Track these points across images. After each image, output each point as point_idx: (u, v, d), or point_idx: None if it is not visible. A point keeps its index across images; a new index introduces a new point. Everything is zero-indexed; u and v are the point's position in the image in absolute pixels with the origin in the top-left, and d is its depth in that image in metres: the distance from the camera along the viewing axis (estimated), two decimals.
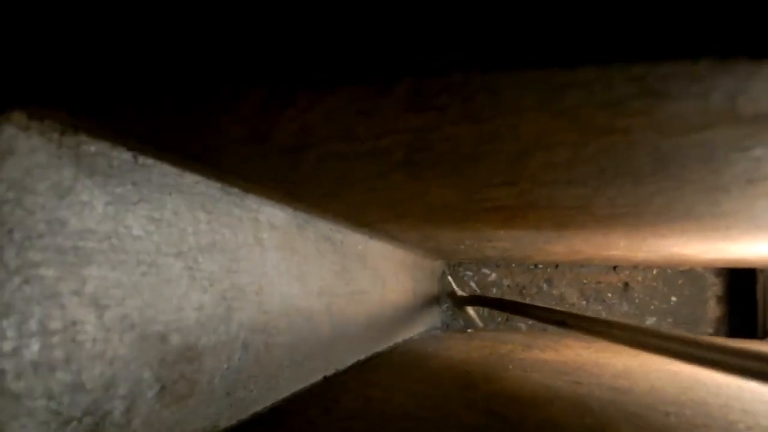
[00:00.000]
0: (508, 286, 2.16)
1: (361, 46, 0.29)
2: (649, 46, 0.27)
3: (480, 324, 2.11)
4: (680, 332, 0.91)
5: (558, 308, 1.28)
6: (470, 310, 2.09)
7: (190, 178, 0.58)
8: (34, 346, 0.39)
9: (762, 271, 1.99)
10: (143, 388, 0.50)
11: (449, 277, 2.09)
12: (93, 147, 0.46)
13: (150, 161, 0.52)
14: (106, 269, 0.47)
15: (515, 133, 0.40)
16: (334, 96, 0.34)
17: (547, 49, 0.28)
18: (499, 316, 2.16)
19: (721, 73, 0.29)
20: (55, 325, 0.41)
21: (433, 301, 2.03)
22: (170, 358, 0.54)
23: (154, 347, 0.52)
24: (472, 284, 2.17)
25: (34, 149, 0.41)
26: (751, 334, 2.01)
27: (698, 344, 0.78)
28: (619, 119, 0.37)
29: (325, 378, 0.95)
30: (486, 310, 2.15)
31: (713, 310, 2.08)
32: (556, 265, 2.15)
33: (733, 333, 2.05)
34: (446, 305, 2.12)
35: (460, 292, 2.06)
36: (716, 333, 2.07)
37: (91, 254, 0.45)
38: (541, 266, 2.16)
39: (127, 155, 0.50)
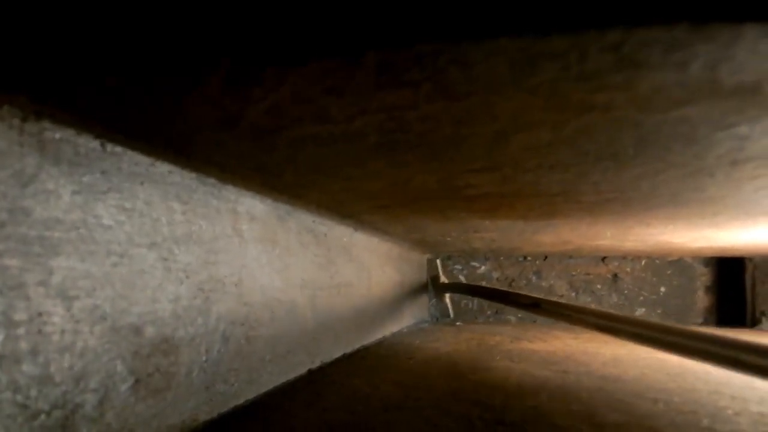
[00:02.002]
0: (498, 278, 2.16)
1: (321, 16, 0.27)
2: (622, 9, 0.25)
3: (452, 314, 2.10)
4: (649, 318, 0.91)
5: (532, 294, 1.28)
6: (446, 298, 2.08)
7: (163, 168, 0.57)
8: None
9: (750, 259, 1.99)
10: (116, 381, 0.49)
11: (438, 261, 2.09)
12: (57, 134, 0.44)
13: (119, 149, 0.51)
14: (75, 260, 0.45)
15: (492, 112, 0.39)
16: (300, 71, 0.33)
17: (517, 16, 0.26)
18: (489, 309, 2.15)
19: (701, 40, 0.27)
20: (20, 316, 0.40)
21: (421, 294, 2.02)
22: (145, 350, 0.52)
23: (127, 339, 0.50)
24: (462, 277, 2.16)
25: None
26: (740, 322, 2.02)
27: (666, 330, 0.79)
28: (598, 95, 0.35)
29: (310, 371, 0.94)
30: (475, 303, 2.15)
31: (702, 299, 2.08)
32: (545, 257, 2.14)
33: (722, 322, 2.06)
34: (435, 299, 2.11)
35: (443, 279, 2.05)
36: (705, 322, 2.07)
37: (58, 244, 0.44)
38: (530, 258, 2.15)
39: (94, 143, 0.48)
